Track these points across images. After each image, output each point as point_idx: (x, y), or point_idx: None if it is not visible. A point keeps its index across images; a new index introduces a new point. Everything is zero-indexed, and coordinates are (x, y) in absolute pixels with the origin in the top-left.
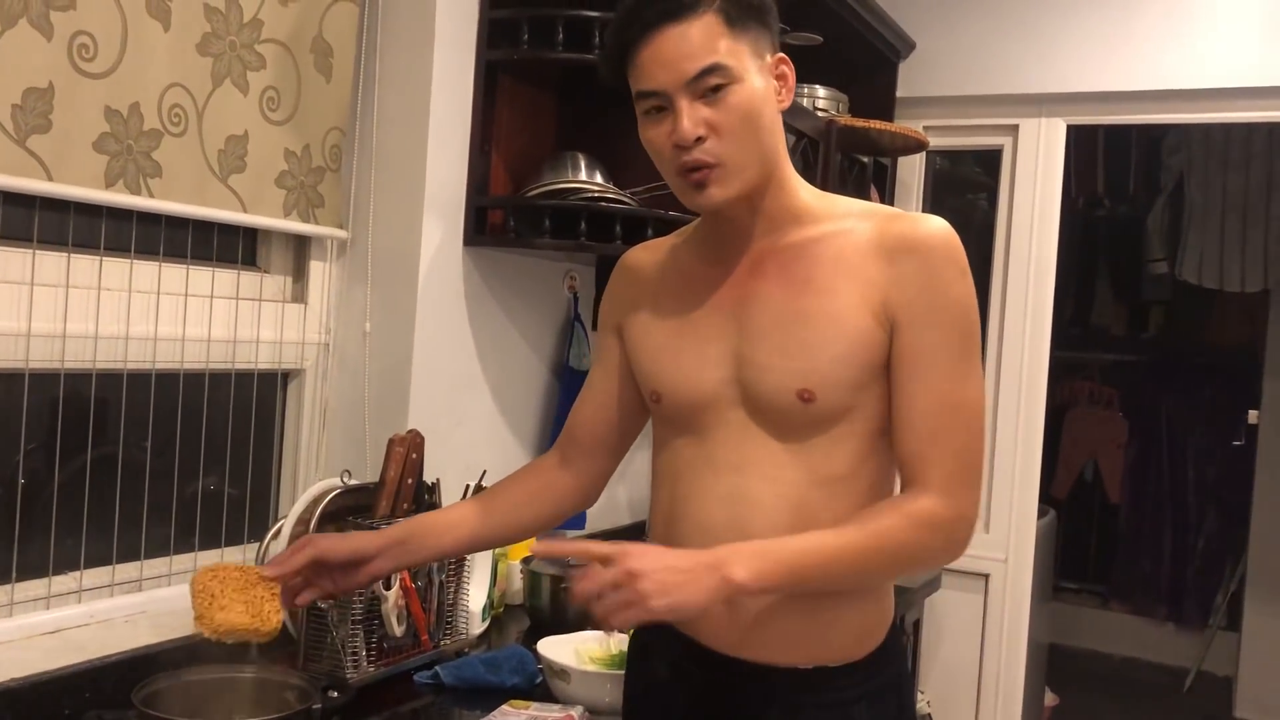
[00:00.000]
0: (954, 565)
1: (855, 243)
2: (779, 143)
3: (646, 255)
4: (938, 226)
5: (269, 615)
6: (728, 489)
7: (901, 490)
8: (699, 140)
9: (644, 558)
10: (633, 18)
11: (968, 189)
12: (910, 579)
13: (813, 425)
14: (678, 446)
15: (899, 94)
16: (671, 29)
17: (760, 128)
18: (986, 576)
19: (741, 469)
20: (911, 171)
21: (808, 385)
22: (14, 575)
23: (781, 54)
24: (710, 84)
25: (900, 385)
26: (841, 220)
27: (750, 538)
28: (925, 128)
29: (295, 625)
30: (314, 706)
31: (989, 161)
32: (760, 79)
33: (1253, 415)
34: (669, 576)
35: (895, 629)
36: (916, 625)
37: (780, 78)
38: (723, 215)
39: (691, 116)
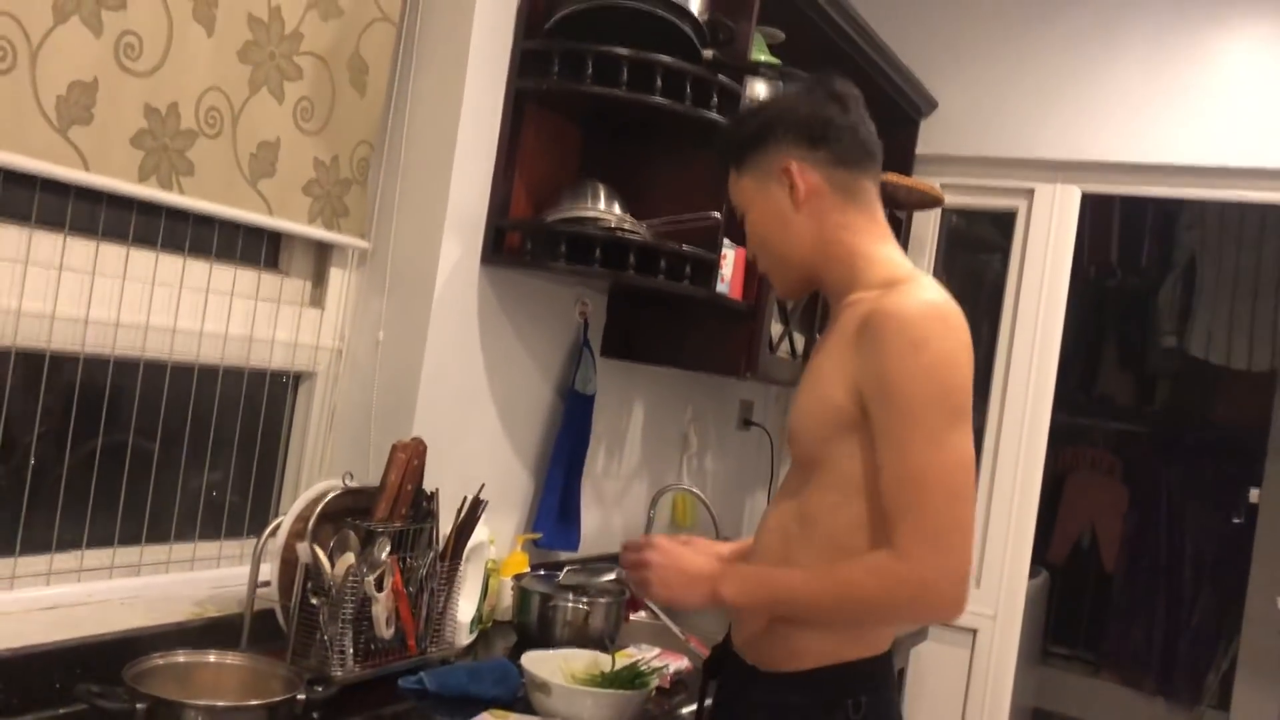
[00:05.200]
0: None
1: (855, 315)
2: (800, 239)
3: None
4: (896, 303)
5: None
6: (769, 511)
7: None
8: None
9: (663, 554)
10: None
11: (981, 248)
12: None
13: (801, 467)
14: None
15: (918, 151)
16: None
17: (771, 240)
18: (974, 632)
19: (778, 496)
20: (926, 227)
21: (793, 430)
22: (18, 550)
23: (788, 160)
24: (740, 219)
25: (877, 456)
26: (866, 290)
27: (756, 553)
28: (942, 185)
29: (286, 620)
30: (298, 696)
31: (1003, 223)
32: (766, 200)
33: (1254, 494)
34: (671, 575)
35: (840, 670)
36: (901, 675)
37: (792, 183)
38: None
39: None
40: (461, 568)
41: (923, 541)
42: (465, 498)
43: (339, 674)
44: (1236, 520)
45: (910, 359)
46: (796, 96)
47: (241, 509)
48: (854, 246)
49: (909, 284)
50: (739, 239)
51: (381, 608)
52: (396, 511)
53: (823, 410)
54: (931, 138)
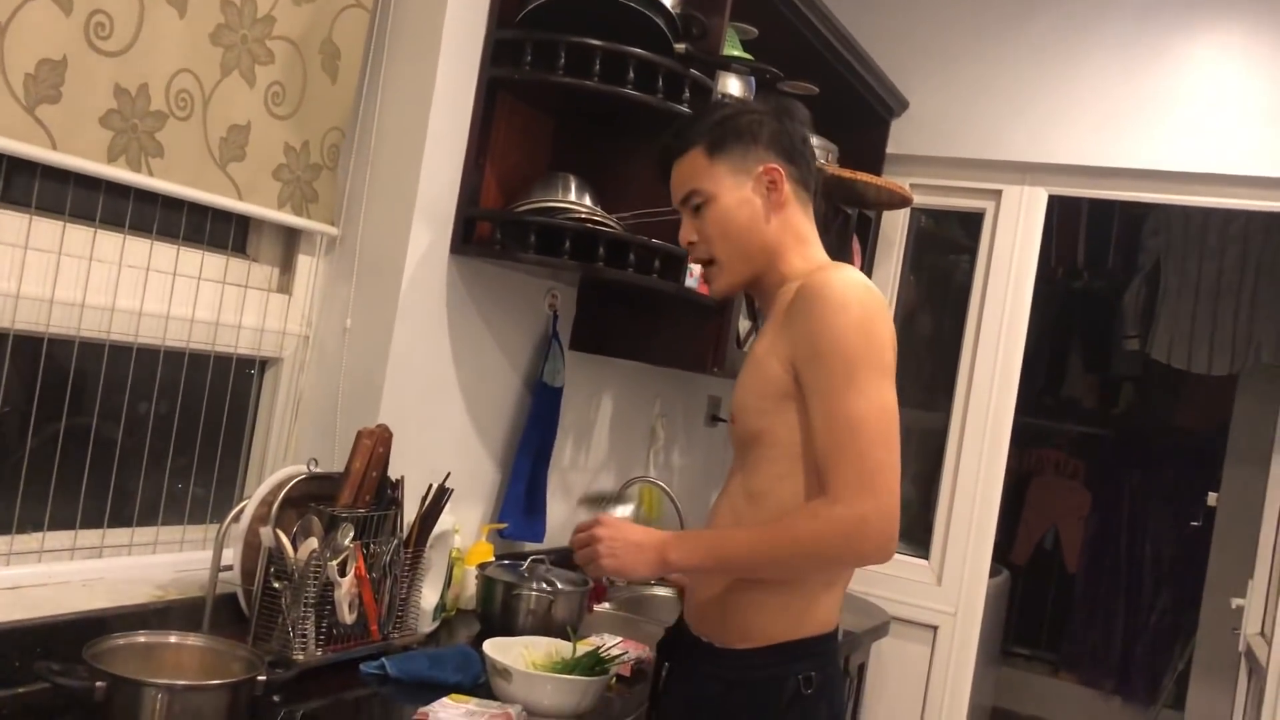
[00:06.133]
0: (903, 615)
1: (784, 299)
2: (765, 236)
3: None
4: (821, 278)
5: None
6: (718, 498)
7: None
8: (692, 244)
9: (610, 528)
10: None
11: (949, 249)
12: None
13: (743, 445)
14: None
15: (889, 150)
16: (675, 165)
17: (736, 232)
18: (935, 629)
19: (725, 482)
20: (895, 227)
21: (734, 409)
22: None
23: (773, 164)
24: (694, 204)
25: (809, 411)
26: (797, 279)
27: None
28: (912, 185)
29: (249, 604)
30: (258, 678)
31: (971, 224)
32: (739, 192)
33: (1212, 498)
34: (620, 547)
35: (791, 646)
36: (861, 669)
37: (771, 184)
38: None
39: (686, 227)
40: (426, 555)
41: (855, 483)
42: (430, 485)
43: (300, 657)
44: (1195, 523)
45: (837, 318)
46: (777, 113)
47: (205, 493)
48: (797, 250)
49: (833, 267)
50: None
51: (344, 593)
52: (361, 498)
53: (760, 384)
54: (902, 137)
